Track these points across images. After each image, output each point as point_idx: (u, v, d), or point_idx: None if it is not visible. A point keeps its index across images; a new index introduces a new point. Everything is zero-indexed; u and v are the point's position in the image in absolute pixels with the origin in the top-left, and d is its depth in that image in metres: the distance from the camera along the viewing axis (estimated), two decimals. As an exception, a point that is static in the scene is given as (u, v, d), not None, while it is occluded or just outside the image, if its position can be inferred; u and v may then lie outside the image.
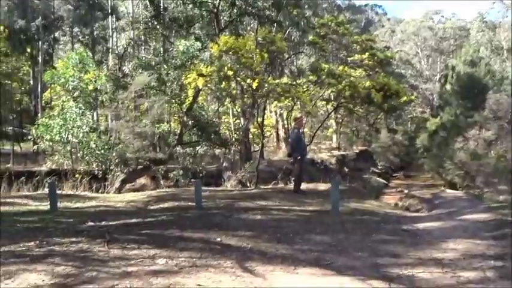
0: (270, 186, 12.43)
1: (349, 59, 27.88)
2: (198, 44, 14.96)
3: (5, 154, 23.45)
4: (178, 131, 15.64)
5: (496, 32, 30.71)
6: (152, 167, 13.90)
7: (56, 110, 15.15)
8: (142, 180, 14.58)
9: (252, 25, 22.89)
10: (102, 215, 7.54)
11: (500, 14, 20.60)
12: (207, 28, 19.91)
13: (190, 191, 10.08)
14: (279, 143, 27.90)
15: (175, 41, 18.54)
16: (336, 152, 25.36)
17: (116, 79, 15.09)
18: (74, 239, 5.71)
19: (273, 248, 5.54)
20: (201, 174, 14.78)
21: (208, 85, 14.64)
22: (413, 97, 34.01)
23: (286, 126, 24.56)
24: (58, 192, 9.00)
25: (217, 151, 19.73)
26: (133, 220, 7.08)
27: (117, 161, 12.89)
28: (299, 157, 10.14)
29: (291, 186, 11.13)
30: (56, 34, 31.99)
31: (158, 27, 20.52)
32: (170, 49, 19.09)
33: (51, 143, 14.34)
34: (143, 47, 27.17)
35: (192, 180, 11.69)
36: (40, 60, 26.67)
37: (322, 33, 22.71)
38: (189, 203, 8.57)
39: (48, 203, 8.08)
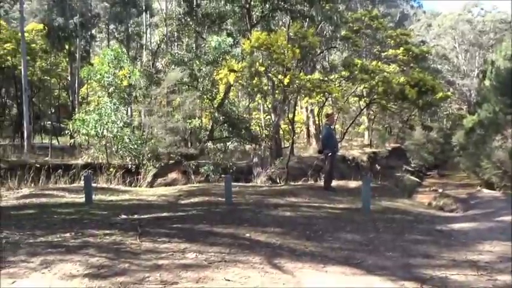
0: (299, 183, 12.36)
1: (383, 54, 27.32)
2: (230, 39, 15.03)
3: (43, 148, 24.42)
4: (210, 127, 15.79)
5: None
6: (183, 162, 14.10)
7: (92, 105, 15.61)
8: (173, 175, 14.86)
9: (284, 20, 22.77)
10: (134, 208, 7.72)
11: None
12: (239, 24, 19.97)
13: (220, 186, 10.17)
14: (309, 139, 27.71)
15: (207, 36, 18.69)
16: (367, 149, 24.92)
17: (149, 75, 15.38)
18: (107, 231, 5.87)
19: (302, 245, 5.52)
20: (231, 170, 14.87)
21: (240, 81, 14.68)
22: (449, 93, 32.98)
23: (317, 122, 24.35)
24: (93, 185, 9.28)
25: (247, 147, 19.80)
26: (165, 214, 7.21)
27: (149, 155, 13.14)
28: (330, 154, 10.04)
29: (321, 183, 11.04)
30: (93, 31, 32.95)
31: (191, 23, 20.76)
32: (202, 45, 19.27)
33: (87, 137, 14.79)
34: (176, 43, 27.57)
35: (222, 175, 11.79)
36: (77, 57, 27.54)
37: (355, 28, 22.36)
38: (219, 199, 8.65)
39: (84, 195, 8.34)
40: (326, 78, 16.88)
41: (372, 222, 7.03)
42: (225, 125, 14.94)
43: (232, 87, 15.64)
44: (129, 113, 16.91)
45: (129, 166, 13.44)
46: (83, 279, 4.14)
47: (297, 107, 22.79)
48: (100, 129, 13.10)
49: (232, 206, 7.99)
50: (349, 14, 25.32)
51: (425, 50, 32.28)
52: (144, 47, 30.18)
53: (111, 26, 33.09)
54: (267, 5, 18.49)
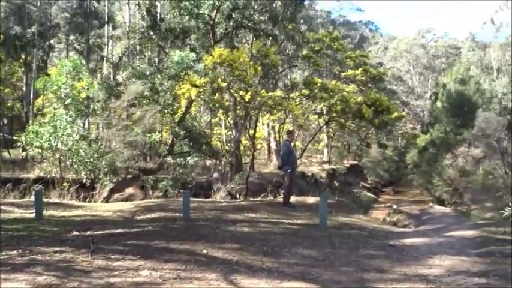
0: (259, 199, 12.40)
1: (342, 74, 28.15)
2: (193, 55, 14.99)
3: (-7, 160, 23.20)
4: (170, 141, 15.59)
5: (486, 52, 31.23)
6: (142, 177, 13.81)
7: (47, 117, 15.04)
8: (131, 190, 14.50)
9: (247, 38, 23.06)
10: (88, 224, 7.46)
11: (490, 34, 21.07)
12: (202, 39, 20.00)
13: (178, 201, 10.02)
14: (270, 155, 27.92)
15: (170, 51, 18.60)
16: (326, 166, 25.36)
17: (108, 87, 15.05)
18: (57, 248, 5.63)
19: (259, 261, 5.52)
20: (190, 185, 14.70)
21: (201, 96, 14.67)
22: (404, 113, 34.35)
23: (278, 139, 24.63)
24: (44, 200, 8.91)
25: (208, 162, 19.67)
26: (119, 230, 7.02)
27: (106, 170, 12.77)
28: (289, 170, 10.15)
29: (281, 199, 11.11)
30: (52, 41, 31.97)
31: (154, 37, 20.58)
32: (165, 59, 19.14)
33: (40, 150, 14.21)
34: (138, 57, 27.21)
35: (181, 191, 11.62)
36: (34, 67, 26.58)
37: (316, 48, 22.91)
38: (177, 214, 8.51)
39: (34, 211, 7.98)
40: (287, 96, 17.15)
41: (328, 237, 7.14)
42: (186, 139, 14.80)
43: (194, 102, 15.58)
44: (86, 126, 16.42)
45: (84, 181, 13.00)
46: (28, 298, 3.95)
47: (258, 124, 22.92)
48: (54, 142, 12.63)
49: (190, 221, 7.89)
50: (311, 34, 25.97)
51: (382, 72, 33.52)
52: (104, 59, 29.59)
53: (71, 37, 32.29)
54: (231, 23, 18.67)
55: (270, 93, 15.46)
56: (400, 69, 38.30)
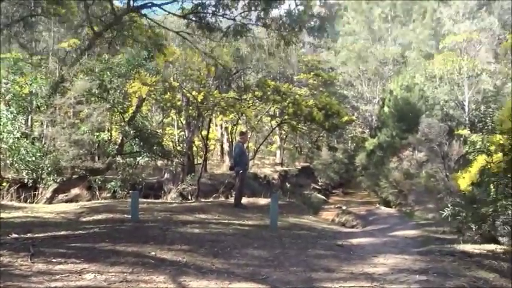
0: (210, 200, 12.32)
1: (295, 77, 28.63)
2: (145, 52, 14.66)
3: None
4: (119, 141, 15.13)
5: (430, 61, 32.95)
6: (88, 177, 13.30)
7: (-14, 113, 14.11)
8: (76, 191, 13.92)
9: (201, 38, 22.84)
10: (28, 226, 7.07)
11: (433, 44, 22.30)
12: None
13: (127, 202, 9.74)
14: (223, 156, 27.84)
15: (121, 48, 18.08)
16: (279, 168, 25.62)
17: (54, 83, 14.37)
18: (-7, 252, 5.29)
19: (208, 263, 5.47)
20: (140, 186, 14.33)
21: (153, 95, 14.37)
22: (353, 117, 35.54)
23: (230, 140, 24.60)
24: (-20, 201, 8.34)
25: (159, 163, 19.29)
26: (63, 232, 6.70)
27: (49, 169, 12.17)
28: (241, 171, 10.16)
29: (232, 200, 11.11)
30: (-9, 33, 30.05)
31: (104, 33, 19.89)
32: (115, 56, 18.55)
33: (-23, 148, 13.31)
34: (87, 52, 26.19)
35: (130, 191, 11.31)
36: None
37: (270, 51, 23.18)
38: (125, 215, 8.27)
39: (-32, 212, 7.46)
40: (240, 98, 17.19)
41: (278, 238, 7.20)
42: (136, 139, 14.43)
43: (145, 101, 15.23)
44: (29, 123, 15.58)
45: (26, 180, 12.32)
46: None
47: (211, 124, 22.81)
48: (-7, 140, 11.87)
49: (139, 223, 7.68)
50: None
51: (333, 76, 34.50)
52: (50, 53, 28.22)
53: (15, 29, 30.51)
54: (185, 21, 18.43)
55: (224, 95, 15.43)
56: (350, 74, 39.49)
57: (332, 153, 32.00)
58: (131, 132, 14.12)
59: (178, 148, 20.08)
